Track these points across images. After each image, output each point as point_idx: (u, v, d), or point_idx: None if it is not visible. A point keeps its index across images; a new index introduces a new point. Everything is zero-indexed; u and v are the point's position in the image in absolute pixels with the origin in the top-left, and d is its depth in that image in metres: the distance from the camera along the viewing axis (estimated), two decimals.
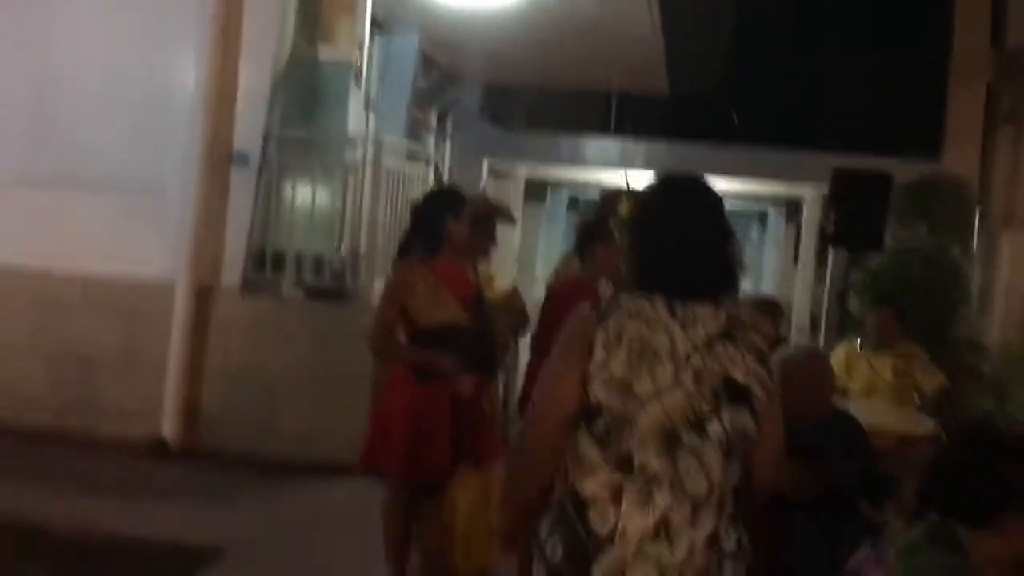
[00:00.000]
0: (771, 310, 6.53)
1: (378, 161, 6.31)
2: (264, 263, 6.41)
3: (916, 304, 7.82)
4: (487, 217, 4.54)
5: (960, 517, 2.18)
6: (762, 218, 19.58)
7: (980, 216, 10.50)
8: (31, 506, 4.83)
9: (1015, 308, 10.02)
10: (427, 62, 9.38)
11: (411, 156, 7.43)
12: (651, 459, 2.05)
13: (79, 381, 6.28)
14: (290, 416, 6.18)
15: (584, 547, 2.07)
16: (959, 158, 10.82)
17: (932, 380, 5.83)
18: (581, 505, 2.08)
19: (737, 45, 15.09)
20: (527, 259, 13.12)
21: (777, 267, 15.71)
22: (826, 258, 8.45)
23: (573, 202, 17.45)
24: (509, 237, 11.08)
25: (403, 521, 3.93)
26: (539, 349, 4.23)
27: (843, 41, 15.10)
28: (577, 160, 11.78)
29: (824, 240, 7.78)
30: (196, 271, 6.21)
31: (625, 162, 11.60)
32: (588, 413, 2.08)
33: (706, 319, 2.12)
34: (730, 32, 14.91)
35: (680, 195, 2.29)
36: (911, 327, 6.41)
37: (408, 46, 8.02)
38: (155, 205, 6.30)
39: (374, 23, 7.45)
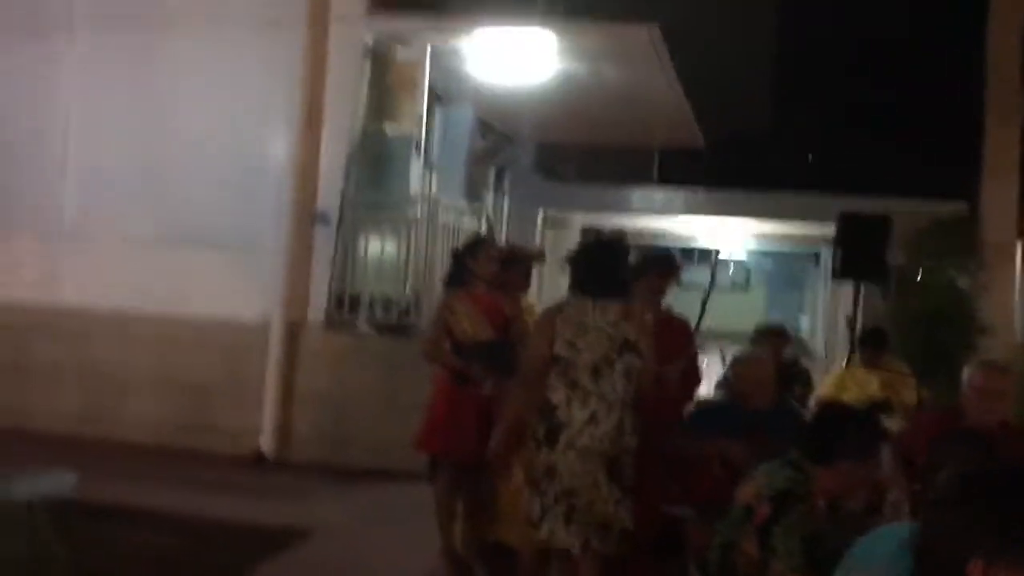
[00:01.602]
0: (778, 333, 7.55)
1: (434, 217, 7.55)
2: (343, 304, 7.65)
3: (925, 331, 8.70)
4: (519, 259, 5.66)
5: (812, 457, 3.23)
6: (816, 257, 20.43)
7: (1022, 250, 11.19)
8: (160, 502, 6.05)
9: None
10: (483, 126, 10.63)
11: (469, 211, 8.66)
12: (586, 382, 3.91)
13: (194, 406, 7.57)
14: (366, 432, 7.34)
15: (555, 428, 3.90)
16: (997, 196, 11.51)
17: (911, 393, 6.76)
18: (551, 407, 3.93)
19: (772, 96, 16.01)
20: None
21: (823, 302, 16.48)
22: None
23: None
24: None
25: (449, 495, 5.06)
26: None
27: (876, 88, 15.89)
28: (625, 208, 12.87)
29: (833, 275, 8.73)
30: (287, 312, 7.46)
31: (667, 208, 12.66)
32: (555, 359, 3.94)
33: (612, 309, 4.00)
34: (763, 85, 15.85)
35: (599, 243, 4.26)
36: (923, 352, 7.30)
37: (464, 116, 9.29)
38: (253, 258, 7.58)
39: (434, 98, 8.71)
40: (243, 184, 7.63)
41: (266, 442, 7.37)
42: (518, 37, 7.88)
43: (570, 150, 13.39)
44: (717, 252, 23.10)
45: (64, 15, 8.03)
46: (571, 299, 4.07)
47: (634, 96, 9.18)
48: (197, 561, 5.30)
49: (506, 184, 12.13)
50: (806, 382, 6.53)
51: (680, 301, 7.00)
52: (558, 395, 3.90)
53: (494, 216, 10.05)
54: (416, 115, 8.04)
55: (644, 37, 7.66)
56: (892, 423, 6.18)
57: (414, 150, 8.01)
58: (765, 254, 24.05)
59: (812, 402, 6.66)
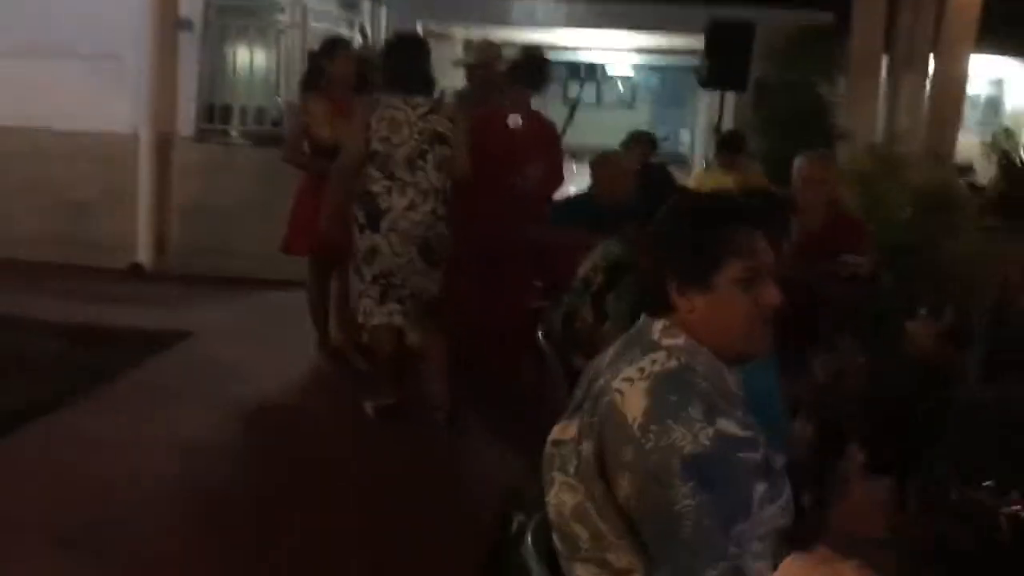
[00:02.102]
0: (645, 139, 7.83)
1: (305, 23, 7.42)
2: (213, 115, 7.57)
3: (784, 135, 9.11)
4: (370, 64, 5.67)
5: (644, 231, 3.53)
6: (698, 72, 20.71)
7: (888, 61, 11.65)
8: (40, 311, 6.10)
9: (912, 142, 11.28)
10: None
11: (344, 19, 8.52)
12: (402, 174, 4.31)
13: (68, 220, 7.48)
14: (242, 241, 7.40)
15: (376, 215, 4.31)
16: (865, 8, 11.86)
17: None
18: (372, 196, 4.32)
19: None
20: None
21: (701, 114, 16.87)
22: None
23: None
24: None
25: (319, 292, 5.30)
26: None
27: None
28: (506, 20, 12.70)
29: (700, 84, 9.00)
30: (156, 124, 7.35)
31: (549, 20, 12.60)
32: (371, 155, 4.30)
33: (422, 104, 4.34)
34: None
35: (406, 41, 4.67)
36: (783, 156, 7.66)
37: None
38: (117, 69, 7.36)
39: None
40: None
41: (142, 254, 7.42)
42: None
43: None
44: (592, 66, 23.20)
45: None
46: (384, 96, 4.34)
47: None
48: (80, 363, 5.43)
49: None
50: (670, 183, 6.83)
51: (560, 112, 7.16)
52: (377, 186, 4.27)
53: (370, 27, 9.85)
54: None
55: None
56: None
57: None
58: (651, 70, 24.19)
59: None
